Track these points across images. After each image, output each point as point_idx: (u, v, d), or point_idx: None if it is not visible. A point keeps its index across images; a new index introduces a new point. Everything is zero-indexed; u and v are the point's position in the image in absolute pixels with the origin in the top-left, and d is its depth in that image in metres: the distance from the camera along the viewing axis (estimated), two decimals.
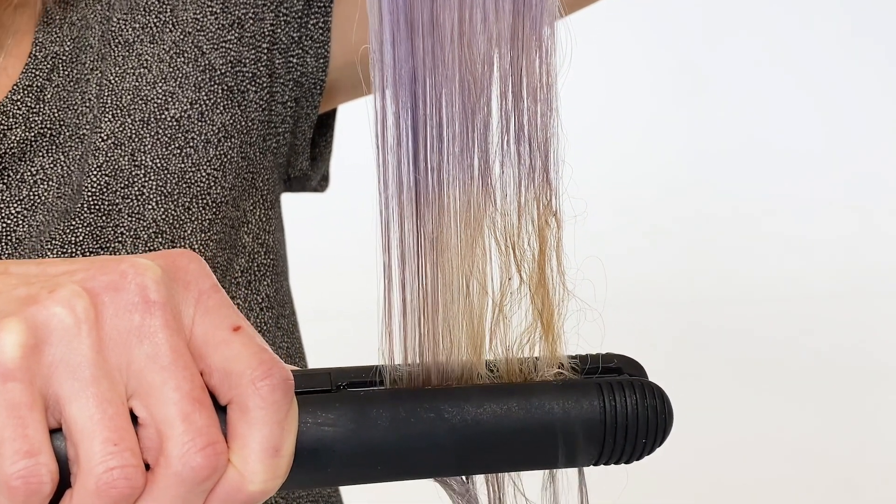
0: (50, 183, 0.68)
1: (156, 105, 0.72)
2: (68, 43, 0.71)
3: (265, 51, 0.74)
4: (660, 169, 3.74)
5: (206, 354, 0.37)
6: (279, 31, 0.75)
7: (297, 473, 0.37)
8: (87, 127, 0.70)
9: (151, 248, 0.69)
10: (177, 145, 0.72)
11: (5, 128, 0.67)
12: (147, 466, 0.35)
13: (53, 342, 0.35)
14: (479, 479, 0.42)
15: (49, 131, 0.69)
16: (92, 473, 0.34)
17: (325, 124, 0.80)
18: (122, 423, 0.35)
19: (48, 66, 0.70)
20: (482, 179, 0.33)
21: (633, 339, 2.80)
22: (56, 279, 0.36)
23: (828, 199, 3.68)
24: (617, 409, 0.39)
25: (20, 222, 0.67)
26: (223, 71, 0.74)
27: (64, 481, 0.35)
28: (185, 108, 0.72)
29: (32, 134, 0.68)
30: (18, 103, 0.68)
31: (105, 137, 0.70)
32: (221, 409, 0.36)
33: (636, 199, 3.55)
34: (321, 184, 0.81)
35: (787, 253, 3.45)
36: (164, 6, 0.73)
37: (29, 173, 0.68)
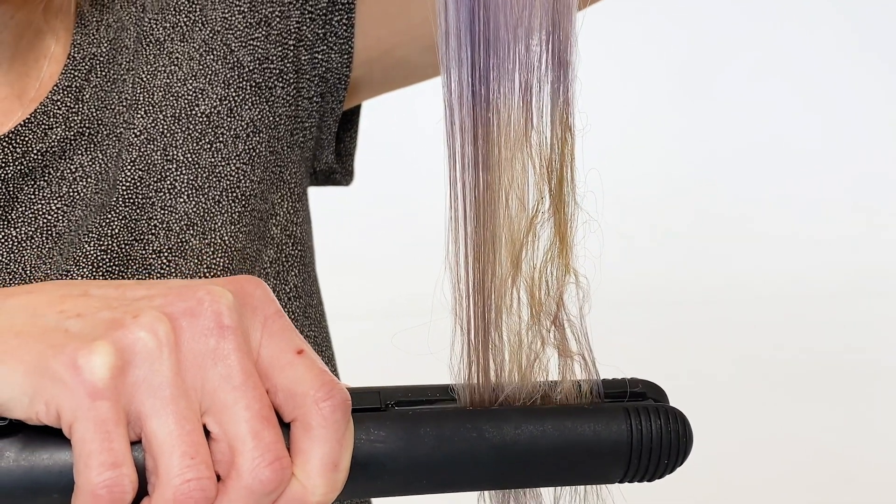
0: (88, 180, 0.71)
1: (186, 101, 0.74)
2: (105, 44, 0.74)
3: (291, 48, 0.77)
4: (664, 169, 3.79)
5: (272, 375, 0.40)
6: (305, 28, 0.77)
7: (350, 485, 0.40)
8: (123, 125, 0.73)
9: (183, 239, 0.71)
10: (207, 140, 0.74)
11: (47, 127, 0.70)
12: (218, 478, 0.38)
13: (137, 364, 0.38)
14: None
15: (88, 130, 0.71)
16: (170, 484, 0.37)
17: (350, 120, 0.82)
18: (197, 439, 0.38)
19: (86, 67, 0.72)
20: (522, 98, 0.40)
21: (644, 336, 2.84)
22: (137, 304, 0.39)
23: (834, 200, 3.73)
24: (642, 433, 0.43)
25: (60, 217, 0.70)
26: (251, 68, 0.76)
27: (141, 490, 0.38)
28: (214, 104, 0.75)
29: (72, 133, 0.71)
30: (59, 103, 0.71)
31: (138, 133, 0.73)
32: (285, 426, 0.39)
33: (641, 199, 3.58)
34: (346, 178, 0.84)
35: (793, 253, 3.47)
36: (194, 6, 0.76)
37: (68, 170, 0.71)
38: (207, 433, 0.39)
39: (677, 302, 3.18)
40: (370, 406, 0.42)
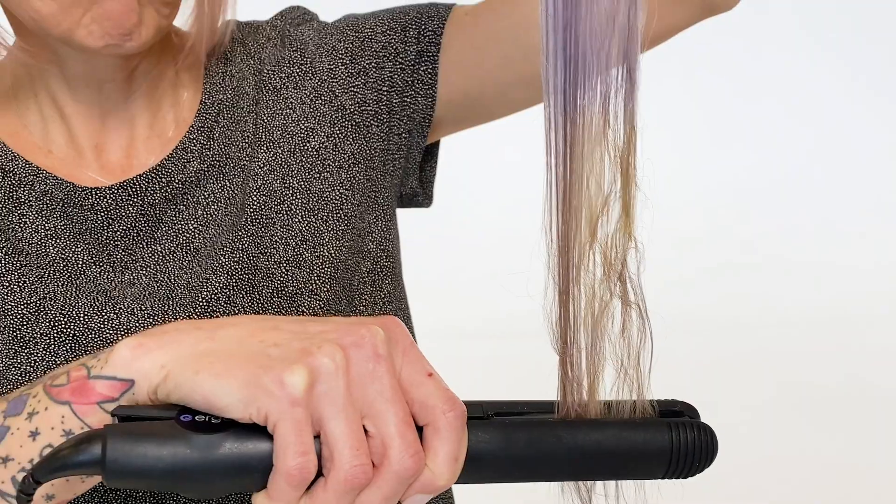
0: (219, 204, 0.81)
1: (300, 138, 0.84)
2: (229, 91, 0.84)
3: (385, 93, 0.85)
4: (707, 201, 3.83)
5: (410, 391, 0.52)
6: (396, 76, 0.85)
7: (463, 474, 0.53)
8: (247, 158, 0.82)
9: (298, 252, 0.81)
10: (317, 170, 0.83)
11: (185, 161, 0.81)
12: (373, 465, 0.50)
13: (322, 381, 0.50)
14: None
15: (218, 162, 0.82)
16: (342, 469, 0.49)
17: (431, 152, 0.91)
18: (361, 436, 0.50)
19: (215, 110, 0.83)
20: (602, 105, 0.54)
21: (686, 362, 2.85)
22: (318, 336, 0.52)
23: (871, 227, 3.78)
24: (681, 442, 0.55)
25: (197, 236, 0.80)
26: (352, 110, 0.85)
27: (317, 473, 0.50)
28: (322, 140, 0.84)
29: (206, 165, 0.81)
30: (195, 141, 0.81)
31: (262, 165, 0.82)
32: (419, 429, 0.52)
33: (684, 231, 3.66)
34: (426, 201, 0.93)
35: (831, 279, 3.52)
36: (305, 59, 0.86)
37: (203, 196, 0.81)
38: (366, 433, 0.51)
39: (724, 328, 3.25)
40: (476, 415, 0.54)
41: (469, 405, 0.54)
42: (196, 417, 0.51)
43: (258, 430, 0.50)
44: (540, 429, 0.55)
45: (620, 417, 0.57)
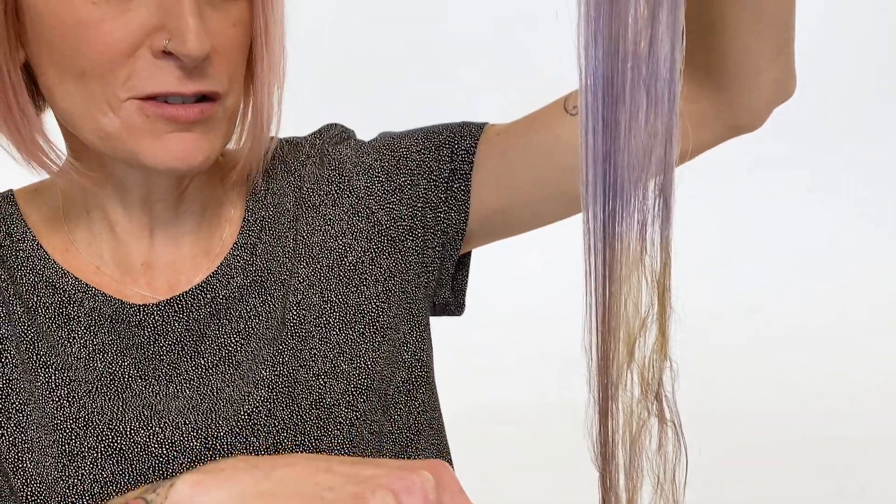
0: (260, 318, 0.83)
1: (338, 254, 0.86)
2: (271, 208, 0.86)
3: (419, 209, 0.87)
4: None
5: None
6: (430, 193, 0.87)
7: None
8: (287, 273, 0.84)
9: (335, 364, 0.83)
10: (354, 284, 0.85)
11: (229, 277, 0.83)
12: None
13: None
14: None
15: (260, 278, 0.84)
16: None
17: (463, 262, 0.93)
18: None
19: (258, 227, 0.85)
20: (639, 232, 0.56)
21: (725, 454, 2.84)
22: (370, 481, 0.56)
23: None
24: None
25: (238, 349, 0.82)
26: (388, 226, 0.87)
27: None
28: (359, 255, 0.86)
29: (248, 280, 0.83)
30: (238, 258, 0.84)
31: (301, 280, 0.84)
32: None
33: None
34: (458, 309, 0.95)
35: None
36: (342, 177, 0.88)
37: (245, 310, 0.83)
38: None
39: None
40: None
41: None
42: None
43: None
44: None
45: None
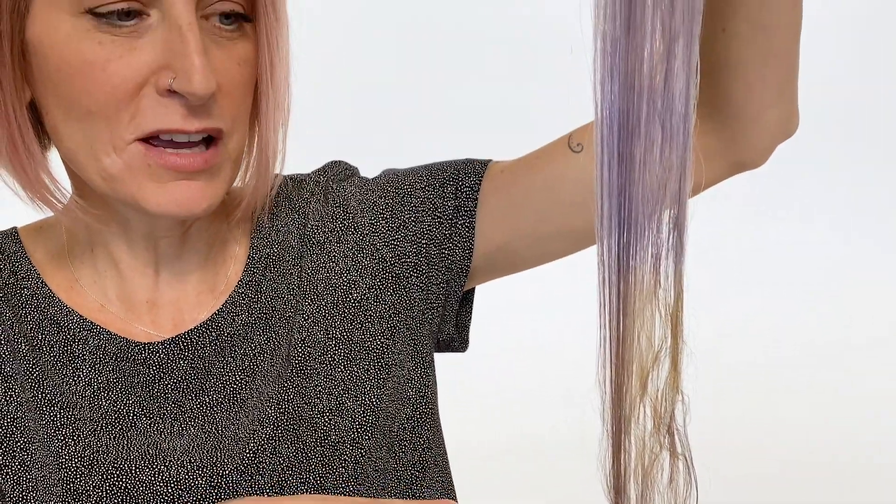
0: (265, 355, 0.83)
1: (342, 291, 0.86)
2: (276, 246, 0.86)
3: (424, 245, 0.87)
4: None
5: None
6: (434, 230, 0.87)
7: None
8: (291, 310, 0.84)
9: (340, 402, 0.82)
10: (359, 321, 0.85)
11: (234, 314, 0.83)
12: None
13: None
14: None
15: (265, 315, 0.84)
16: None
17: (467, 298, 0.92)
18: None
19: (262, 265, 0.85)
20: (653, 266, 0.57)
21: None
22: None
23: None
24: None
25: (244, 387, 0.82)
26: (392, 262, 0.87)
27: None
28: (364, 292, 0.86)
29: (253, 318, 0.83)
30: (243, 295, 0.84)
31: (306, 317, 0.84)
32: None
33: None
34: (462, 345, 0.94)
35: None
36: (347, 214, 0.88)
37: (250, 348, 0.83)
38: None
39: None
40: None
41: None
42: None
43: None
44: None
45: None
